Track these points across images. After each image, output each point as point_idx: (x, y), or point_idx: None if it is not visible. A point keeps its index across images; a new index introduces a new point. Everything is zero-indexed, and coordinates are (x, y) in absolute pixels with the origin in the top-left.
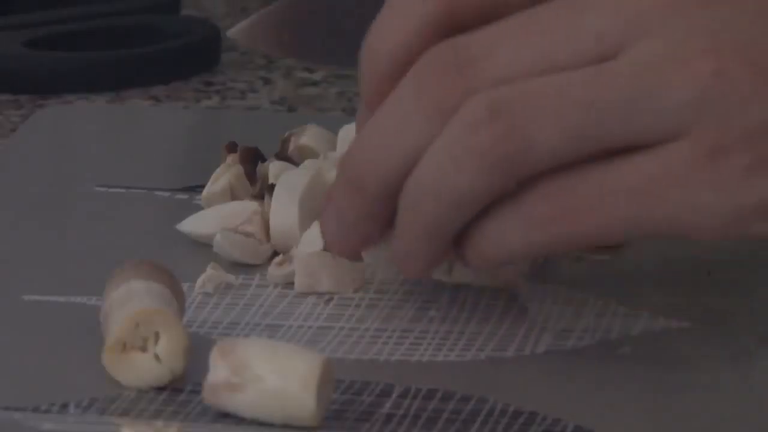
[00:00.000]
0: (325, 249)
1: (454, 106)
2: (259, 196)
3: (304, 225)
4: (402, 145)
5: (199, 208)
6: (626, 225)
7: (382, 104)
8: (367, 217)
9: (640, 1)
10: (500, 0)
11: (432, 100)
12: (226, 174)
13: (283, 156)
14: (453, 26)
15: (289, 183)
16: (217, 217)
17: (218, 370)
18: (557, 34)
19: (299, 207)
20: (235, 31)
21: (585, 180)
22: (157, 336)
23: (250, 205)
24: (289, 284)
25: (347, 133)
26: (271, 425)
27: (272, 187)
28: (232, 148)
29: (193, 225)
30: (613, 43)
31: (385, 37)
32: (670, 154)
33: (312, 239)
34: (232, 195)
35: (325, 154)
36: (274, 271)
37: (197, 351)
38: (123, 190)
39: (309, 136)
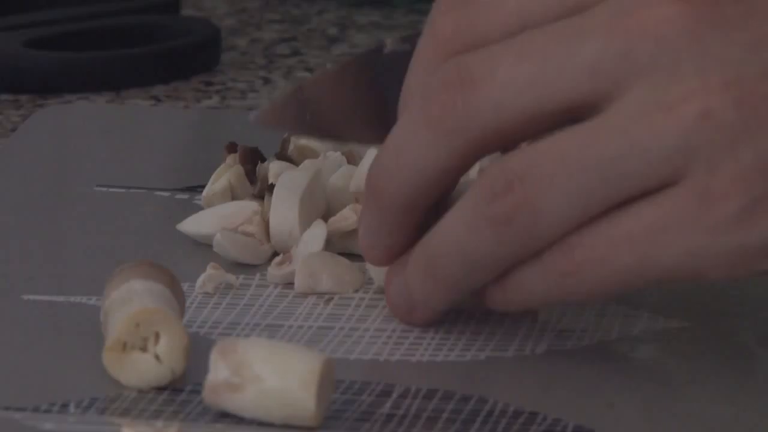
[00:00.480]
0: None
1: (452, 126)
2: (259, 196)
3: (304, 225)
4: (411, 162)
5: (199, 208)
6: (636, 274)
7: (398, 122)
8: (390, 228)
9: (631, 31)
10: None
11: (433, 118)
12: (226, 174)
13: (283, 156)
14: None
15: (288, 183)
16: (217, 217)
17: (218, 370)
18: (552, 62)
19: (299, 207)
20: (255, 116)
21: (594, 234)
22: (157, 336)
23: (250, 205)
24: (289, 284)
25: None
26: (271, 425)
27: (272, 187)
28: (232, 148)
29: (193, 225)
30: (604, 77)
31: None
32: (665, 201)
33: (312, 239)
34: (233, 195)
35: (325, 154)
36: (274, 271)
37: (197, 351)
38: (123, 190)
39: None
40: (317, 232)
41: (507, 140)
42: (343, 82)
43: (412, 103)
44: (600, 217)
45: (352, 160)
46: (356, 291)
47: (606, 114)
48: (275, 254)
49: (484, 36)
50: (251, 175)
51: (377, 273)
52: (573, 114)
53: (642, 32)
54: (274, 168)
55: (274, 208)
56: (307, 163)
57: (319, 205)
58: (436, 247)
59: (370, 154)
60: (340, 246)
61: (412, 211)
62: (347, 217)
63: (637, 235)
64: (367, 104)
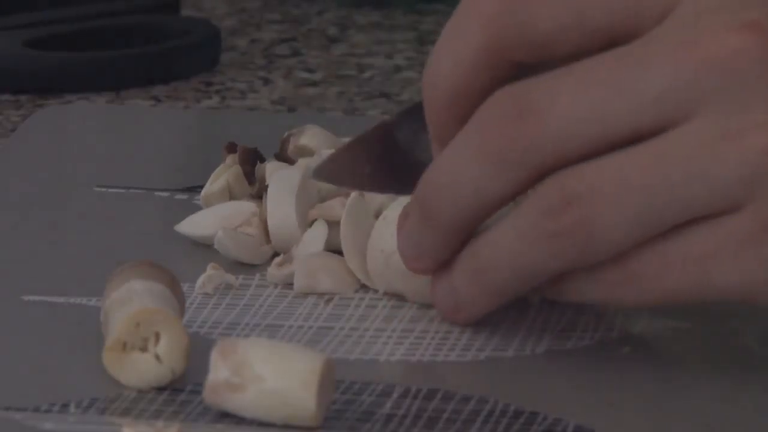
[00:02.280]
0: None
1: (514, 160)
2: (258, 197)
3: (303, 223)
4: (468, 190)
5: (198, 208)
6: (688, 293)
7: (450, 144)
8: (439, 246)
9: (700, 62)
10: (551, 38)
11: (494, 149)
12: (224, 174)
13: (282, 156)
14: (504, 60)
15: (282, 183)
16: (215, 218)
17: (219, 371)
18: (616, 91)
19: (296, 206)
20: (315, 172)
21: (649, 250)
22: (157, 336)
23: (248, 206)
24: (290, 284)
25: None
26: (271, 425)
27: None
28: (231, 148)
29: (191, 226)
30: (671, 107)
31: (441, 71)
32: (725, 227)
33: (313, 239)
34: (231, 195)
35: (320, 152)
36: (274, 271)
37: (197, 351)
38: (123, 190)
39: (308, 136)
40: (318, 233)
41: (568, 165)
42: (400, 132)
43: (467, 128)
44: (657, 236)
45: None
46: (356, 291)
47: (670, 137)
48: (275, 254)
49: (536, 24)
50: (250, 176)
51: (380, 283)
52: (637, 139)
53: (711, 62)
54: (270, 169)
55: (271, 210)
56: (300, 162)
57: (314, 203)
58: (486, 256)
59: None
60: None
61: (464, 232)
62: (333, 207)
63: (693, 256)
64: (424, 152)
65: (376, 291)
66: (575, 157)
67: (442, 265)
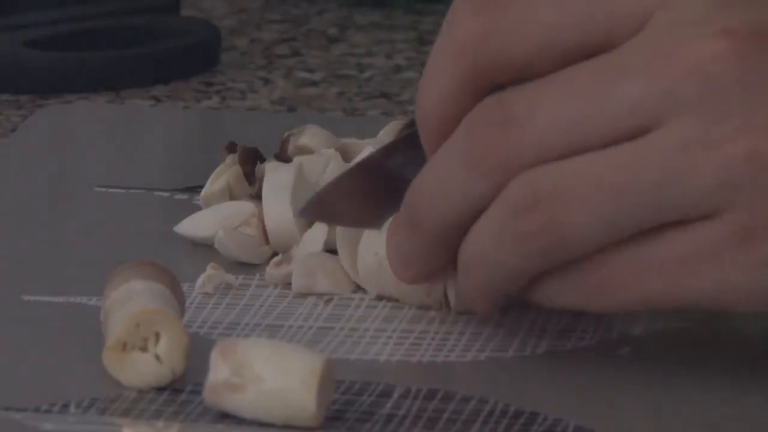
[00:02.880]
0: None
1: (496, 166)
2: (258, 197)
3: (301, 224)
4: (452, 197)
5: (198, 208)
6: (663, 298)
7: (437, 153)
8: (427, 254)
9: (676, 72)
10: (527, 60)
11: (476, 158)
12: (224, 174)
13: (282, 156)
14: (486, 84)
15: (276, 183)
16: (214, 219)
17: (219, 371)
18: (593, 100)
19: (292, 206)
20: (301, 211)
21: (624, 255)
22: (157, 336)
23: (246, 207)
24: (289, 284)
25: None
26: (271, 425)
27: None
28: (232, 148)
29: (189, 227)
30: (647, 115)
31: (428, 103)
32: (701, 233)
33: (312, 240)
34: (231, 195)
35: (320, 152)
36: (272, 271)
37: (197, 351)
38: (123, 191)
39: (308, 136)
40: (317, 233)
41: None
42: (387, 166)
43: (452, 137)
44: (632, 238)
45: (347, 157)
46: (354, 292)
47: (646, 141)
48: (275, 254)
49: (510, 48)
50: (250, 176)
51: (373, 286)
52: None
53: (687, 70)
54: (267, 169)
55: (268, 211)
56: (296, 160)
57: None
58: (467, 257)
59: (365, 152)
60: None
61: (450, 239)
62: None
63: (669, 263)
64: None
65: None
66: (554, 161)
67: (429, 277)
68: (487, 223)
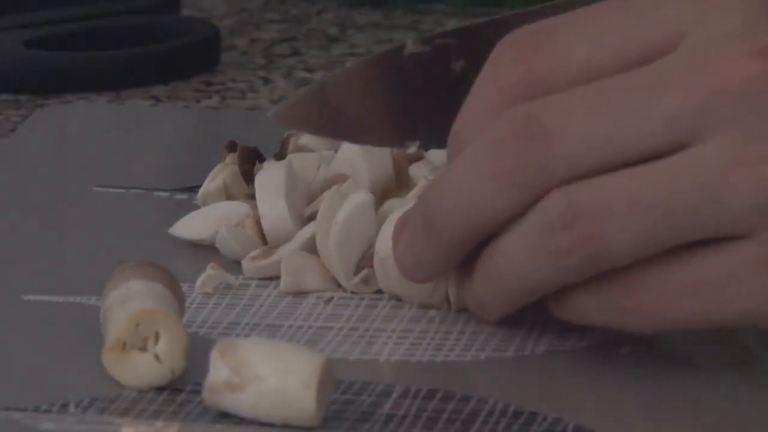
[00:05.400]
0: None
1: (527, 179)
2: (254, 196)
3: (296, 218)
4: (476, 207)
5: (198, 208)
6: (697, 320)
7: (460, 158)
8: (441, 259)
9: (712, 87)
10: (574, 77)
11: (505, 170)
12: (221, 173)
13: (282, 156)
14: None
15: (267, 182)
16: (208, 220)
17: (218, 370)
18: (627, 115)
19: (287, 205)
20: (274, 113)
21: (656, 276)
22: (157, 336)
23: (241, 207)
24: (266, 279)
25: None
26: (271, 425)
27: None
28: (232, 147)
29: (183, 229)
30: (683, 131)
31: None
32: (735, 254)
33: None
34: (227, 194)
35: (321, 154)
36: (248, 264)
37: (197, 351)
38: (123, 190)
39: (309, 136)
40: (307, 231)
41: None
42: (363, 83)
43: (476, 146)
44: (663, 258)
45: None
46: (345, 291)
47: (682, 159)
48: None
49: (552, 88)
50: (248, 175)
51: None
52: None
53: (723, 88)
54: (259, 168)
55: (263, 211)
56: (289, 158)
57: (301, 195)
58: (497, 264)
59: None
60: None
61: (466, 247)
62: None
63: (702, 284)
64: (386, 106)
65: (376, 291)
66: (585, 178)
67: (441, 275)
68: (522, 236)
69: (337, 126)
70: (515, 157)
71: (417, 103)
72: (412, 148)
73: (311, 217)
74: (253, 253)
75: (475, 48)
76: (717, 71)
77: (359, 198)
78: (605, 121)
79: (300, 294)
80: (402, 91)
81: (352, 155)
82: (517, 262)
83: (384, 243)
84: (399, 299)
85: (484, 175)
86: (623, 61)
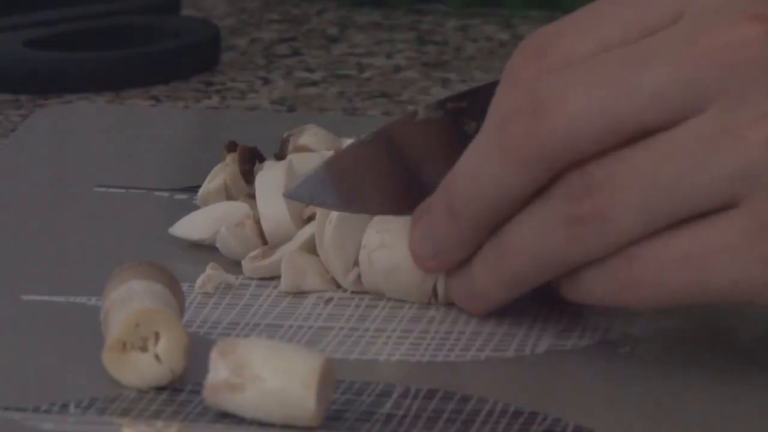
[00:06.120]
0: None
1: (532, 155)
2: (254, 196)
3: (295, 219)
4: (488, 190)
5: (198, 208)
6: (689, 293)
7: (474, 141)
8: (460, 245)
9: (700, 57)
10: (569, 58)
11: (510, 147)
12: (221, 173)
13: (282, 156)
14: None
15: (268, 182)
16: (208, 221)
17: (218, 371)
18: (620, 89)
19: (287, 206)
20: (289, 193)
21: (652, 249)
22: (157, 336)
23: (241, 208)
24: (265, 279)
25: None
26: (271, 425)
27: None
28: (232, 147)
29: (184, 229)
30: (675, 104)
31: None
32: (722, 224)
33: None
34: (227, 194)
35: (322, 154)
36: (247, 264)
37: (197, 351)
38: (123, 191)
39: (308, 136)
40: (307, 231)
41: (583, 159)
42: (376, 153)
43: (486, 127)
44: (661, 231)
45: None
46: (344, 291)
47: (676, 133)
48: None
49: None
50: (248, 175)
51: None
52: (646, 134)
53: (712, 57)
54: (259, 168)
55: (262, 211)
56: (289, 157)
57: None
58: (508, 244)
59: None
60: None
61: (485, 230)
62: None
63: (691, 255)
64: (402, 174)
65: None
66: (589, 153)
67: (457, 264)
68: (535, 213)
69: (354, 199)
70: (520, 132)
71: (433, 168)
72: None
73: (311, 218)
74: (252, 253)
75: (486, 109)
76: (705, 41)
77: None
78: (599, 96)
79: (300, 294)
80: (417, 158)
81: None
82: (529, 235)
83: (371, 237)
84: (388, 299)
85: (493, 153)
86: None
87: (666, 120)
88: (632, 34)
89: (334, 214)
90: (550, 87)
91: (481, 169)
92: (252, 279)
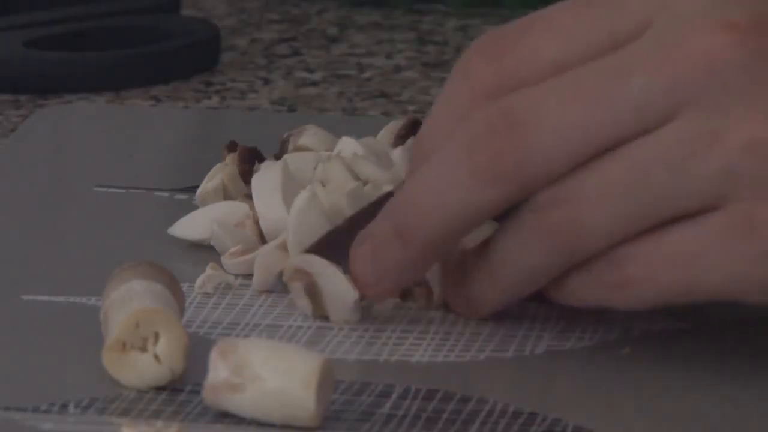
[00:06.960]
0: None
1: (506, 172)
2: (251, 196)
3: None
4: (452, 207)
5: (197, 208)
6: (678, 293)
7: (432, 158)
8: (407, 268)
9: (676, 65)
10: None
11: (484, 164)
12: (220, 173)
13: (282, 156)
14: None
15: (264, 182)
16: (209, 220)
17: (218, 371)
18: (597, 102)
19: (284, 203)
20: (310, 248)
21: (642, 249)
22: (156, 336)
23: (240, 208)
24: (247, 275)
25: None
26: (271, 425)
27: None
28: (232, 147)
29: (183, 230)
30: (653, 113)
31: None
32: (708, 224)
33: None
34: (225, 194)
35: (317, 153)
36: (226, 261)
37: (197, 351)
38: (122, 191)
39: (308, 136)
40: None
41: (556, 177)
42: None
43: (452, 146)
44: (648, 232)
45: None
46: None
47: (652, 138)
48: None
49: (525, 86)
50: (247, 175)
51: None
52: (621, 143)
53: (688, 64)
54: (257, 170)
55: (260, 211)
56: (285, 157)
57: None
58: (494, 258)
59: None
60: None
61: (440, 250)
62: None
63: (679, 257)
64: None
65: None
66: (566, 168)
67: (397, 292)
68: (511, 224)
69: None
70: (494, 151)
71: None
72: None
73: None
74: (232, 249)
75: None
76: (680, 49)
77: (302, 195)
78: (578, 109)
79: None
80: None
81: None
82: (505, 249)
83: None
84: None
85: (463, 171)
86: (594, 52)
87: (643, 129)
88: (598, 38)
89: (291, 216)
90: (525, 103)
91: (445, 187)
92: (251, 279)
